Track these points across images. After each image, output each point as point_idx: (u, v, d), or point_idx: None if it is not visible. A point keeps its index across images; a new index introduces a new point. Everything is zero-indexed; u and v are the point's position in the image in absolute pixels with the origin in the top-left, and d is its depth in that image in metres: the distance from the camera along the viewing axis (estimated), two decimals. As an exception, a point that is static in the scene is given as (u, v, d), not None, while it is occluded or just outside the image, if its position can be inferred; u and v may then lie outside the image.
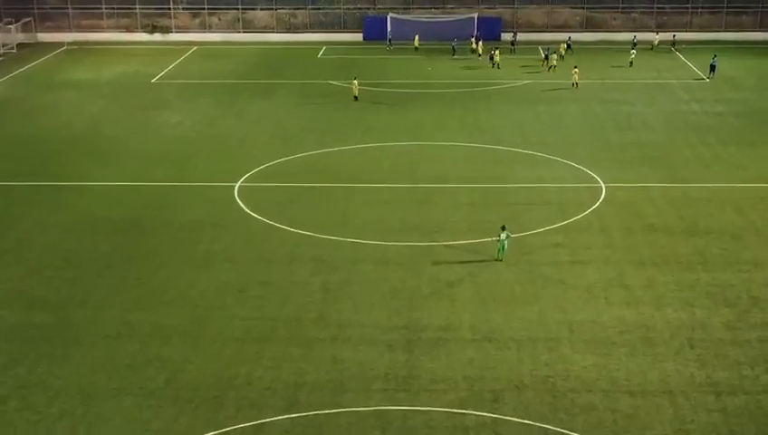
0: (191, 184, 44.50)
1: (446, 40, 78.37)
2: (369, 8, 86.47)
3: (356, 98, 60.77)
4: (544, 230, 38.18)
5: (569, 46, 74.47)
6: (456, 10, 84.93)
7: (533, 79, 67.87)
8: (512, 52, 76.17)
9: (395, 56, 77.51)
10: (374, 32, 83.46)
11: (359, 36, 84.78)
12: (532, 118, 56.77)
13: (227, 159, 48.47)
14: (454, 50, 76.89)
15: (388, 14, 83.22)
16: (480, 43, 76.84)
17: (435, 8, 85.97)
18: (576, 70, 64.80)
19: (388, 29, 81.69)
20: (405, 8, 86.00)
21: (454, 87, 65.55)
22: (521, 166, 46.84)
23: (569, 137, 52.37)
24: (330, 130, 54.22)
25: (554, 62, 69.00)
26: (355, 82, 61.20)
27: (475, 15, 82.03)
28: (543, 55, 72.21)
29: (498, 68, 70.55)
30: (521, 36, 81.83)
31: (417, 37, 79.11)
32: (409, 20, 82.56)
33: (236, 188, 43.58)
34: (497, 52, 71.77)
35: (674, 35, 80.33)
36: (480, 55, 75.47)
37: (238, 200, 42.03)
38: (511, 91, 64.57)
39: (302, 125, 55.51)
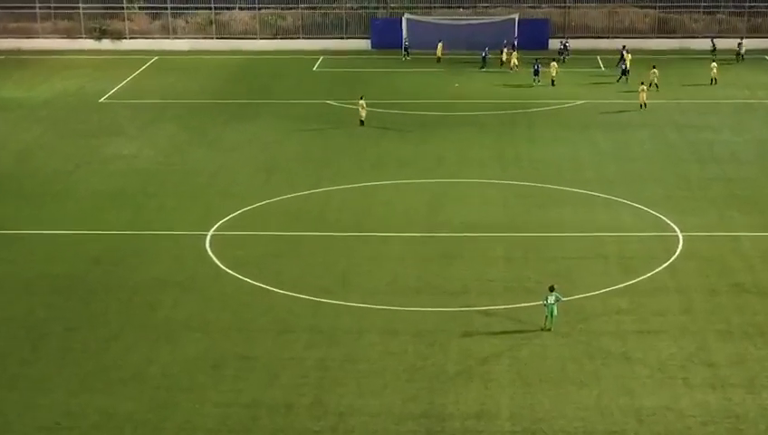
0: (151, 232, 45.10)
1: (479, 48, 79.33)
2: (378, 8, 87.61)
3: (362, 122, 61.61)
4: (604, 292, 38.58)
5: (622, 57, 74.72)
6: (491, 10, 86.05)
7: (589, 98, 68.67)
8: (560, 62, 76.93)
9: (412, 69, 78.51)
10: (385, 38, 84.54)
11: (365, 43, 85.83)
12: (589, 148, 57.43)
13: (197, 201, 49.15)
14: (484, 61, 77.88)
15: (403, 14, 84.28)
16: (515, 52, 77.79)
17: (463, 7, 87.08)
18: (644, 87, 65.59)
19: (404, 34, 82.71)
20: (425, 8, 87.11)
21: (487, 108, 66.33)
22: (574, 209, 47.38)
23: (636, 172, 52.97)
24: (328, 163, 54.94)
25: (655, 79, 68.84)
26: (361, 102, 62.04)
27: (516, 17, 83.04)
28: (621, 69, 72.75)
29: (553, 85, 71.38)
30: (573, 43, 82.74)
31: (440, 45, 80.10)
32: (431, 23, 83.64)
33: (208, 238, 44.18)
34: (554, 65, 72.49)
35: (739, 43, 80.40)
36: (513, 68, 76.44)
37: (211, 253, 42.61)
38: (560, 113, 65.32)
39: (292, 157, 56.25)
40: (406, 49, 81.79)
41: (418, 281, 39.70)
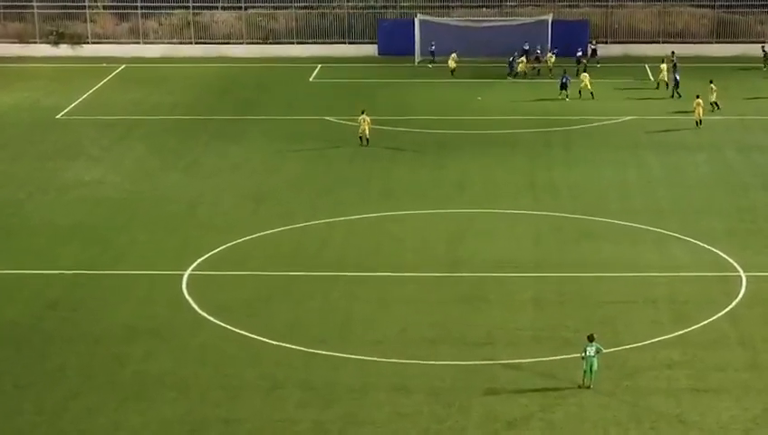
0: (117, 272, 45.28)
1: (508, 55, 79.61)
2: (386, 7, 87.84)
3: (364, 140, 61.88)
4: (654, 342, 38.61)
5: (675, 66, 74.66)
6: (520, 10, 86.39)
7: (637, 113, 68.79)
8: (583, 69, 76.80)
9: (426, 80, 78.77)
10: (394, 43, 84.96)
11: (371, 49, 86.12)
12: (636, 172, 57.63)
13: (172, 235, 49.34)
14: (511, 68, 78.27)
15: (415, 15, 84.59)
16: (552, 55, 78.33)
17: (487, 7, 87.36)
18: (699, 100, 65.75)
19: (417, 37, 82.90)
20: (441, 7, 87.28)
21: (516, 126, 66.58)
22: (617, 245, 47.52)
23: (691, 201, 53.16)
24: (328, 190, 55.17)
25: (714, 96, 68.22)
26: (364, 117, 62.28)
27: (549, 18, 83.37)
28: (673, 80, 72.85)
29: (592, 98, 71.58)
30: (617, 49, 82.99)
31: (453, 55, 79.52)
32: (448, 25, 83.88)
33: (185, 279, 44.33)
34: (585, 77, 72.61)
35: (763, 45, 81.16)
36: (525, 73, 77.15)
37: (188, 297, 42.73)
38: (603, 131, 65.52)
39: (285, 184, 56.49)
40: (432, 53, 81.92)
41: (434, 329, 39.82)
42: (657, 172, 57.71)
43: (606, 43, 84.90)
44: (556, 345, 38.25)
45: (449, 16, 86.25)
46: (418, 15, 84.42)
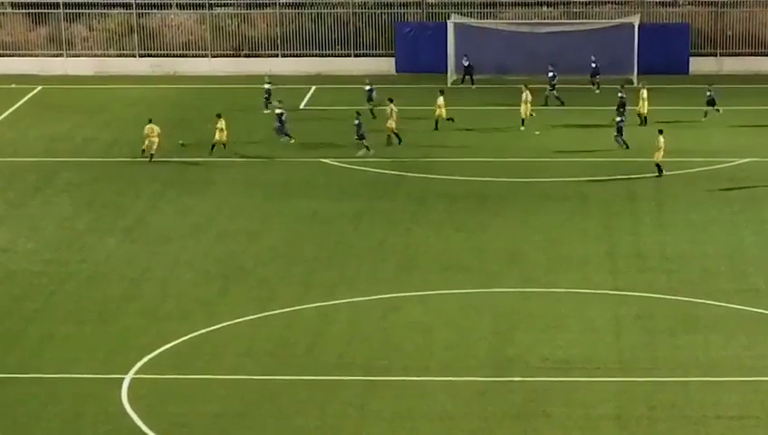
0: (29, 377, 45.30)
1: (582, 73, 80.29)
2: (407, 6, 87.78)
3: (148, 155, 66.94)
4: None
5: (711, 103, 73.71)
6: (595, 10, 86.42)
7: (757, 154, 68.64)
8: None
9: (463, 107, 78.31)
10: (419, 55, 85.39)
11: (386, 64, 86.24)
12: (757, 237, 57.65)
13: (107, 325, 49.42)
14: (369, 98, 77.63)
15: (448, 17, 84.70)
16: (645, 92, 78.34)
17: (548, 4, 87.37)
18: None
19: (451, 47, 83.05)
20: (485, 5, 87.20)
21: (589, 171, 66.58)
22: (731, 338, 47.49)
23: (835, 278, 53.39)
24: (326, 262, 55.32)
25: (660, 145, 67.79)
26: (152, 127, 66.98)
27: (635, 21, 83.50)
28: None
29: (644, 124, 71.46)
30: (730, 64, 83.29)
31: (440, 99, 75.12)
32: (494, 30, 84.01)
33: (126, 386, 44.28)
34: (643, 94, 73.05)
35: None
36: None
37: (129, 410, 42.67)
38: (710, 179, 65.50)
39: (265, 252, 56.66)
40: (467, 70, 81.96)
41: (474, 457, 40.14)
42: (787, 237, 58.05)
43: (716, 56, 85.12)
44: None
45: (495, 18, 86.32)
46: (453, 17, 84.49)
